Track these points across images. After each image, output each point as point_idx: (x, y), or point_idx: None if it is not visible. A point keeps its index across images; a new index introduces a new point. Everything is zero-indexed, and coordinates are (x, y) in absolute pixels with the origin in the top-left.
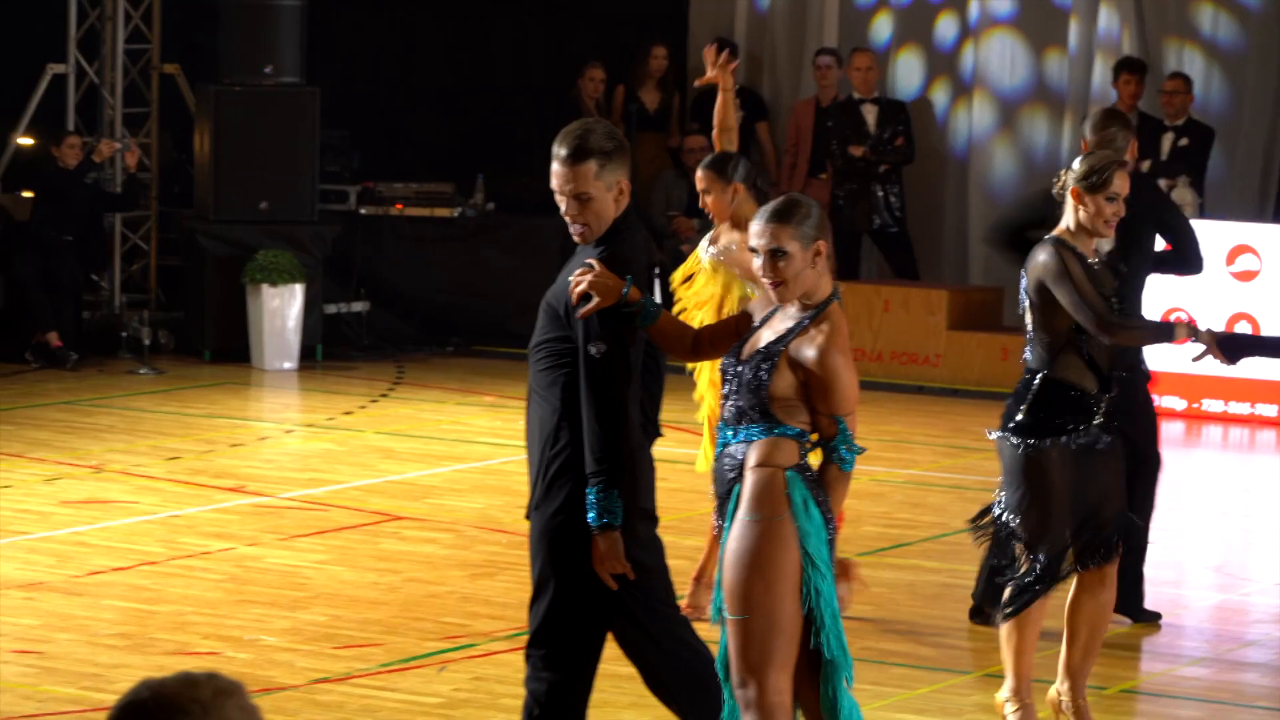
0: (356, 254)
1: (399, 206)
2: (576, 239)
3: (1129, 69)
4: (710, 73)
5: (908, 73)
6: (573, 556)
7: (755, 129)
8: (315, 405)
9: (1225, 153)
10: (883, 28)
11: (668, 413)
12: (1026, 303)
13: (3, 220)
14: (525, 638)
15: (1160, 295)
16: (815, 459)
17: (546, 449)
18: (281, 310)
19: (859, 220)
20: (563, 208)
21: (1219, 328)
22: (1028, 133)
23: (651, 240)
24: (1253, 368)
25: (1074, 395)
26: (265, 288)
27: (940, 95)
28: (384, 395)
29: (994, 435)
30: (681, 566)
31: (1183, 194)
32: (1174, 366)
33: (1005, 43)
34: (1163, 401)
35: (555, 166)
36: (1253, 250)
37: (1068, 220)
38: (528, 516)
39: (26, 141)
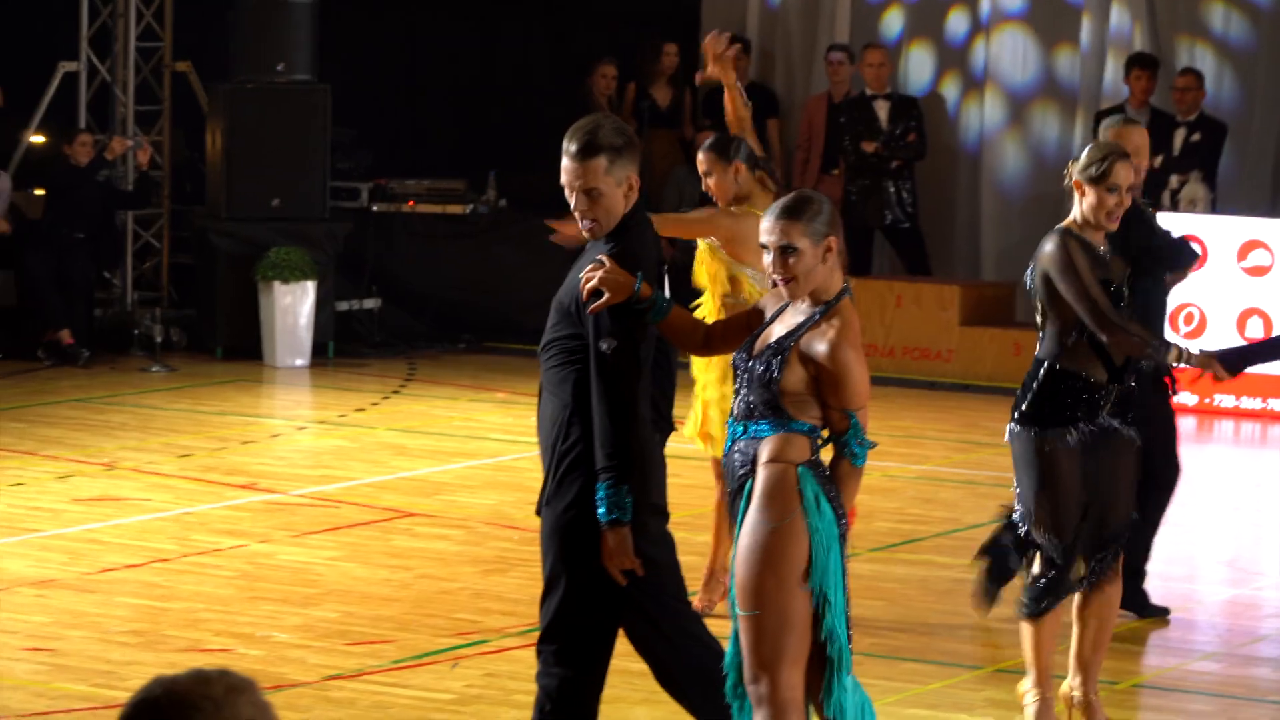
0: (368, 251)
1: (410, 204)
2: (585, 234)
3: (1140, 64)
4: (710, 68)
5: (919, 67)
6: (584, 552)
7: (765, 126)
8: (327, 402)
9: (1236, 150)
10: (894, 22)
11: (680, 408)
12: (1034, 293)
13: (15, 218)
14: (537, 634)
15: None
16: (827, 455)
17: (558, 445)
18: (293, 307)
19: (871, 216)
20: (572, 203)
21: (1231, 323)
22: (1039, 129)
23: (659, 236)
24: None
25: (1081, 385)
26: (277, 285)
27: (951, 90)
28: (396, 392)
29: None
30: (693, 562)
31: (1194, 189)
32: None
33: (1016, 38)
34: (1175, 397)
35: (565, 162)
36: (1264, 245)
37: (1075, 211)
38: (538, 512)
39: (38, 139)
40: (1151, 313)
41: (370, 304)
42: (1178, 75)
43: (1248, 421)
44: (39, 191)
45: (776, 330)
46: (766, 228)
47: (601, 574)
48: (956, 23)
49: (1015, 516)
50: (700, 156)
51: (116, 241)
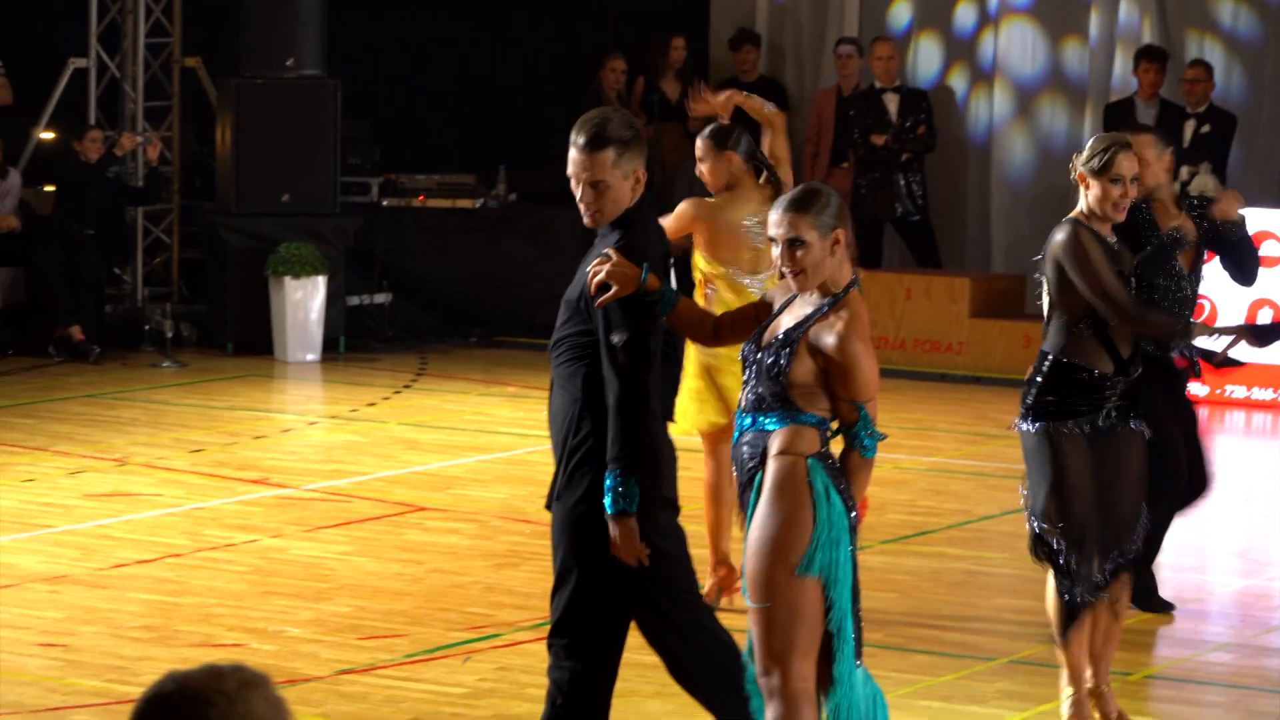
0: (378, 246)
1: (421, 198)
2: (587, 222)
3: (1149, 57)
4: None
5: (927, 60)
6: (595, 546)
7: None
8: (338, 397)
9: (1245, 143)
10: (902, 14)
11: None
12: (1044, 283)
13: (25, 214)
14: (548, 627)
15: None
16: (837, 446)
17: (569, 439)
18: (304, 302)
19: (881, 209)
20: (578, 195)
21: (1241, 313)
22: (1048, 121)
23: (663, 229)
24: (1275, 353)
25: (1086, 377)
26: (288, 280)
27: (959, 82)
28: (407, 386)
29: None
30: (704, 555)
31: (1204, 181)
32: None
33: (1025, 31)
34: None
35: (573, 154)
36: (1274, 236)
37: (1081, 204)
38: (549, 506)
39: (48, 136)
40: (1180, 303)
41: (381, 299)
42: (1187, 67)
43: (1259, 412)
44: (49, 188)
45: (785, 322)
46: (774, 220)
47: (612, 567)
48: (965, 15)
49: (1025, 511)
50: (698, 143)
51: (127, 237)
